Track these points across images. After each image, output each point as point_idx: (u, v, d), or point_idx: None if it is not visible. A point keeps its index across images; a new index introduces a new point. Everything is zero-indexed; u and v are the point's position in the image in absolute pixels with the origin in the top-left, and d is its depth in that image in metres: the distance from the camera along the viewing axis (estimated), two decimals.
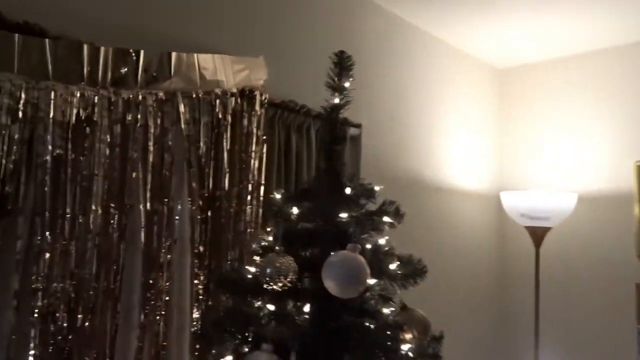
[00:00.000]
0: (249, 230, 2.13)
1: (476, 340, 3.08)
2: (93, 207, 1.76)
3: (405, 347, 1.31)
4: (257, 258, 1.53)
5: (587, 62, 3.00)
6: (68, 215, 1.71)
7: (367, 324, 1.34)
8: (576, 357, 2.81)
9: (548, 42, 3.02)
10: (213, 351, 1.43)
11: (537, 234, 2.79)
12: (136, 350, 1.82)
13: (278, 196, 1.52)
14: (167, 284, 1.90)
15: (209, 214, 2.07)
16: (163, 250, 1.90)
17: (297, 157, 2.38)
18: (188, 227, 1.97)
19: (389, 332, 1.31)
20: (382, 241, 1.44)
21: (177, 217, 1.95)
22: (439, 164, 3.03)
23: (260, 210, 2.17)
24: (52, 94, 1.69)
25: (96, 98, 1.79)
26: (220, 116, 2.09)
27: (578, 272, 2.92)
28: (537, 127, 3.17)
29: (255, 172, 2.17)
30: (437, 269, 3.08)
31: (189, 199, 2.00)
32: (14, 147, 1.62)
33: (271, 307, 1.34)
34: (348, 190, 1.42)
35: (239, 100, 2.14)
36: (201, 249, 2.04)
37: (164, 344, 1.88)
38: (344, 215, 1.39)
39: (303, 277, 1.41)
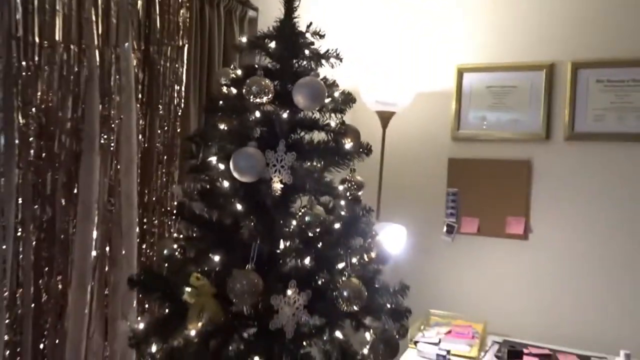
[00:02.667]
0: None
1: None
2: None
3: (347, 147, 1.88)
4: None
5: None
6: None
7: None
8: (407, 211, 3.74)
9: None
10: (200, 154, 1.81)
11: (385, 117, 3.58)
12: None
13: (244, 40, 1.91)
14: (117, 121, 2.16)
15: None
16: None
17: None
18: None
19: (336, 137, 1.85)
20: (328, 75, 1.95)
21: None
22: None
23: None
24: None
25: None
26: None
27: (412, 147, 3.83)
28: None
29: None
30: None
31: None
32: None
33: (257, 114, 1.77)
34: (308, 35, 1.88)
35: None
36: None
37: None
38: (306, 52, 1.87)
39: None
